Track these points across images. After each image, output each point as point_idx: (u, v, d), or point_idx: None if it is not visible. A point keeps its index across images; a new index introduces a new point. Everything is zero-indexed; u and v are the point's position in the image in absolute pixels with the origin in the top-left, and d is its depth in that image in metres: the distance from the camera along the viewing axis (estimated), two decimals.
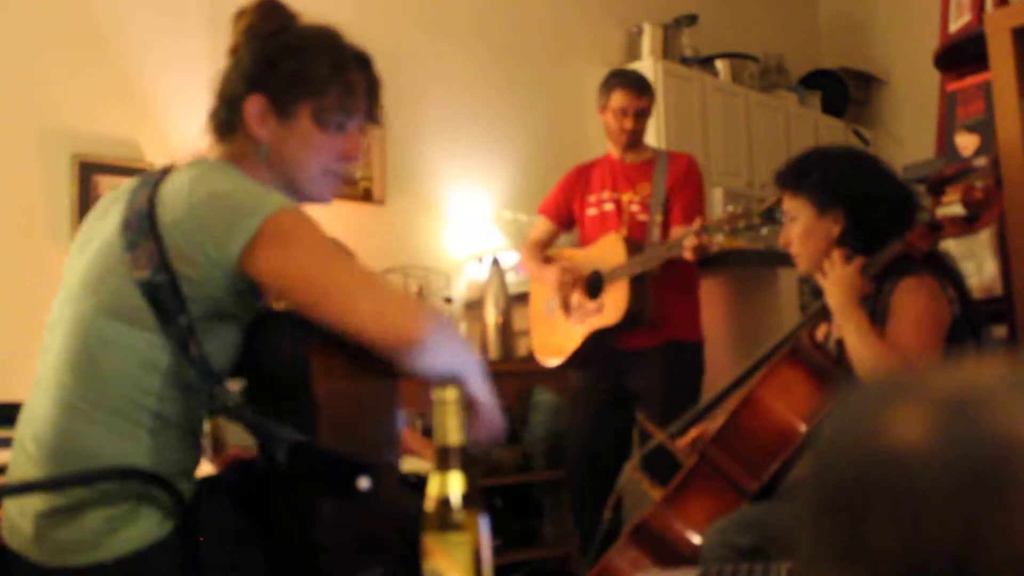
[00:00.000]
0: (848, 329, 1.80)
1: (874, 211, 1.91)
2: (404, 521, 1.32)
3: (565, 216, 3.25)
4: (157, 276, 1.24)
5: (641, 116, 3.12)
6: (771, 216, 2.49)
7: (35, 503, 1.27)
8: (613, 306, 2.94)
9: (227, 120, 1.39)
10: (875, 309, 1.85)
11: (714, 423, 1.98)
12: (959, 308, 1.82)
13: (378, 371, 1.26)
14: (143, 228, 1.26)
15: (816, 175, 1.96)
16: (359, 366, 1.26)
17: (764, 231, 2.50)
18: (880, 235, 1.88)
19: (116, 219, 1.32)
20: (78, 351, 1.29)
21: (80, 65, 3.20)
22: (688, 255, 2.73)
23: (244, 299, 1.29)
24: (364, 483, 1.14)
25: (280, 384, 1.34)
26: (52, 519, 1.25)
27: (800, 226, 1.97)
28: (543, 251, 3.27)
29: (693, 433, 2.12)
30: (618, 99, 3.09)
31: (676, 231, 2.97)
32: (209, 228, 1.24)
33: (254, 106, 1.36)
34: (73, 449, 1.27)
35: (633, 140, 3.13)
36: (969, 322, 1.85)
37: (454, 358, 1.25)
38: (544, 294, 3.18)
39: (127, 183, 1.40)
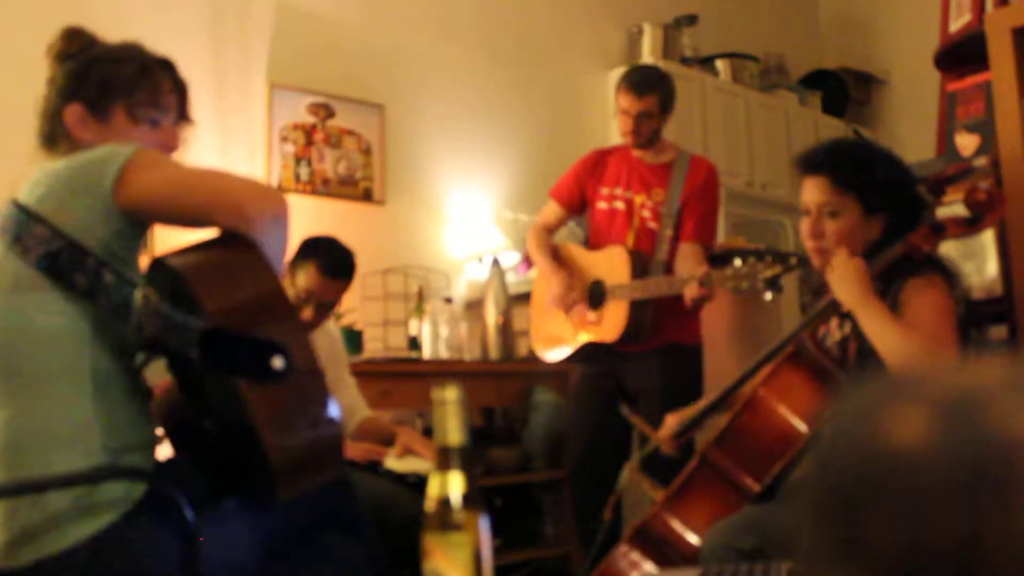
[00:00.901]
0: (871, 320, 1.75)
1: (908, 216, 1.88)
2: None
3: (576, 202, 3.17)
4: (52, 245, 1.32)
5: (644, 118, 2.97)
6: (774, 284, 2.45)
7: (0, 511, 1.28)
8: (611, 324, 2.92)
9: (50, 132, 1.54)
10: None
11: (715, 423, 1.98)
12: (964, 308, 1.82)
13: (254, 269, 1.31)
14: (20, 219, 1.35)
15: (873, 175, 1.87)
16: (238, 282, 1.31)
17: (768, 296, 2.44)
18: (894, 238, 1.86)
19: None
20: (2, 337, 1.34)
21: None
22: (688, 304, 2.68)
23: (127, 239, 1.37)
24: (278, 362, 1.16)
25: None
26: (20, 518, 1.26)
27: (842, 224, 1.86)
28: (551, 237, 3.22)
29: (670, 421, 2.11)
30: (621, 100, 3.00)
31: (685, 248, 2.93)
32: (77, 181, 1.36)
33: (73, 114, 1.51)
34: (26, 437, 1.29)
35: (639, 142, 3.02)
36: (971, 322, 1.84)
37: (282, 243, 1.37)
38: (546, 287, 3.15)
39: None
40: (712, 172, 3.07)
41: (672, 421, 2.12)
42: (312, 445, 1.28)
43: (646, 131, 3.00)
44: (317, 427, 1.28)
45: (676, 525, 1.87)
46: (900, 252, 1.81)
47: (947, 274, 1.84)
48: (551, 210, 3.22)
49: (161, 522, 1.29)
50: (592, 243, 3.15)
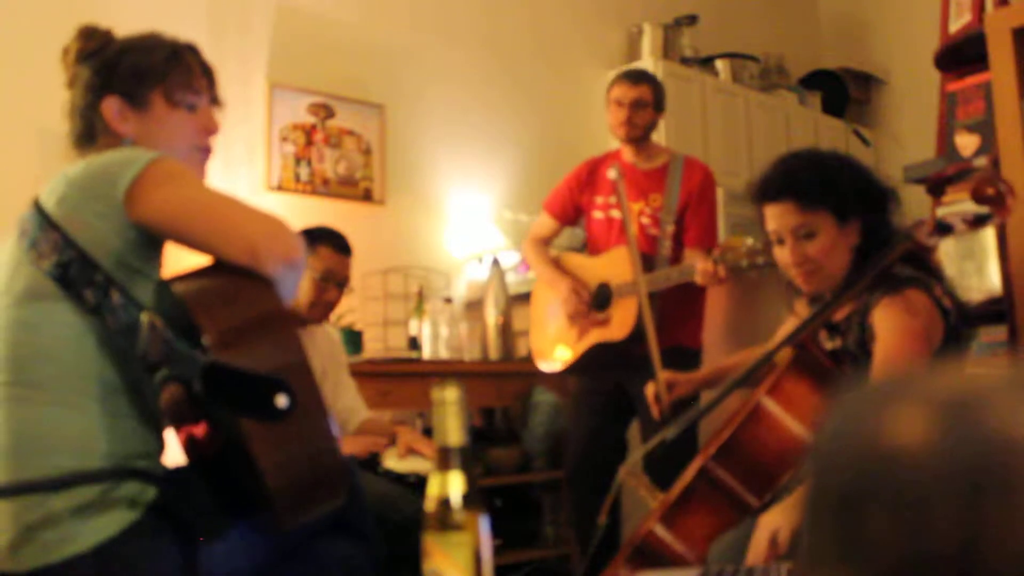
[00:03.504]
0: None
1: (879, 213, 1.85)
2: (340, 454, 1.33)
3: (570, 215, 3.19)
4: (64, 255, 1.29)
5: (637, 107, 3.00)
6: None
7: (4, 512, 1.26)
8: (620, 322, 2.91)
9: (86, 130, 1.49)
10: (863, 324, 1.80)
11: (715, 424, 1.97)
12: (955, 313, 1.78)
13: (265, 309, 1.28)
14: (37, 223, 1.32)
15: (836, 184, 1.83)
16: (245, 314, 1.28)
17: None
18: (884, 235, 1.83)
19: (11, 241, 1.39)
20: (8, 345, 1.32)
21: None
22: (699, 279, 2.64)
23: (143, 252, 1.33)
24: (282, 401, 1.14)
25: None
26: (24, 520, 1.25)
27: (822, 242, 1.82)
28: (547, 248, 3.22)
29: (663, 376, 2.22)
30: (615, 91, 3.04)
31: (689, 255, 2.91)
32: (91, 187, 1.32)
33: (111, 106, 1.47)
34: (31, 439, 1.28)
35: (632, 133, 3.02)
36: (963, 324, 1.81)
37: (294, 289, 1.35)
38: (548, 298, 3.14)
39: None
40: (707, 174, 3.07)
41: (665, 377, 2.27)
42: (313, 472, 1.25)
43: (639, 122, 3.02)
44: (318, 454, 1.25)
45: (673, 542, 1.81)
46: (906, 248, 1.77)
47: (937, 279, 1.81)
48: (545, 222, 3.24)
49: (165, 534, 1.28)
50: (591, 251, 3.15)
